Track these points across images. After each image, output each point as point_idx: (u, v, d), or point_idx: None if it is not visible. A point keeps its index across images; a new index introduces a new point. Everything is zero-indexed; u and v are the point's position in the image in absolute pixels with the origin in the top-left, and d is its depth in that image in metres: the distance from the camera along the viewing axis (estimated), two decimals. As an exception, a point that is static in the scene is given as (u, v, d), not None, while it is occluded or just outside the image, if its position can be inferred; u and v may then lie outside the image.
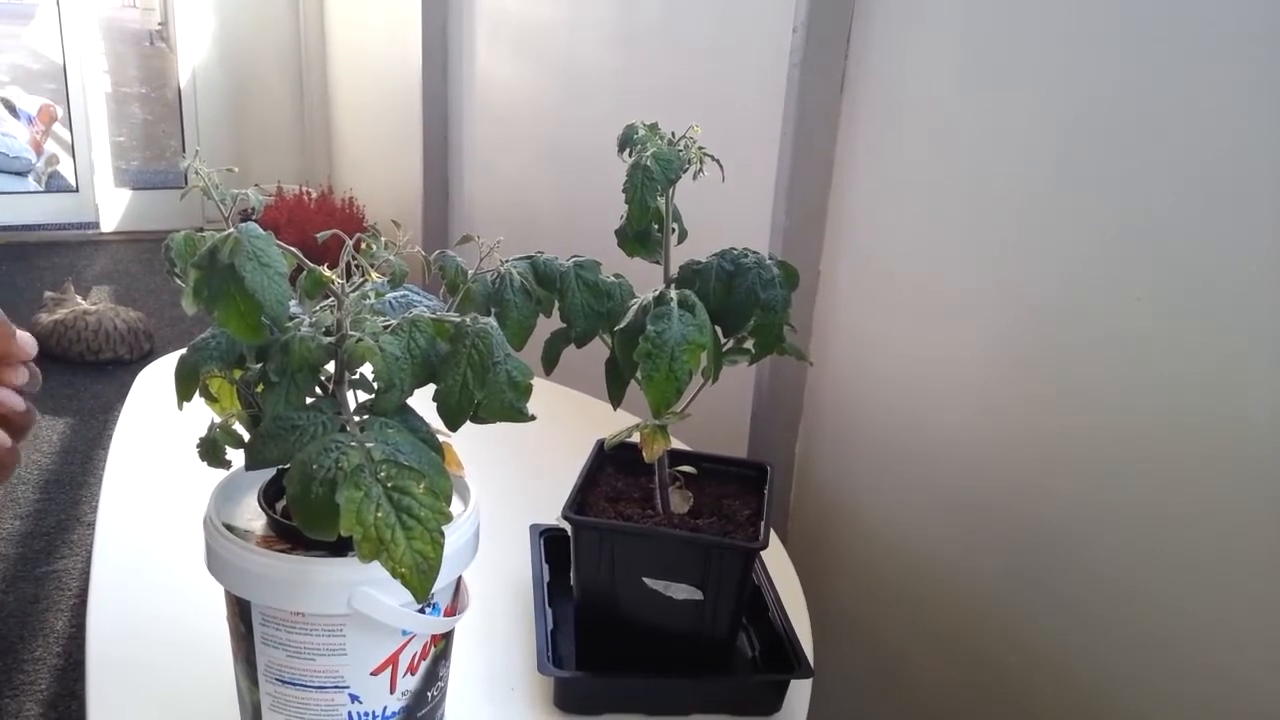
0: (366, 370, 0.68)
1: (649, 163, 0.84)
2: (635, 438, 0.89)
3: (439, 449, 0.69)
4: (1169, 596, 0.90)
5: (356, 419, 0.67)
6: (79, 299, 3.32)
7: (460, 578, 0.75)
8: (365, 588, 0.66)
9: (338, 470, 0.61)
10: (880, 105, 1.24)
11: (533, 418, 0.72)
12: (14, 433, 0.70)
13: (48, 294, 3.34)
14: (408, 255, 0.73)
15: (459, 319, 0.71)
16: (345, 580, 0.66)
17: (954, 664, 1.17)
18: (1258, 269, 0.81)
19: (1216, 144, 0.84)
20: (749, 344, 0.90)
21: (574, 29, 2.11)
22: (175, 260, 0.67)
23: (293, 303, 0.69)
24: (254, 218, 0.69)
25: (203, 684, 0.82)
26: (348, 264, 0.69)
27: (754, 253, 0.89)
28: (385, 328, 0.69)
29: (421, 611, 0.69)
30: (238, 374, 0.71)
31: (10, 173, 4.87)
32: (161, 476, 1.18)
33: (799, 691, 0.90)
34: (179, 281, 0.67)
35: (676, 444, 0.96)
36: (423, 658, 0.72)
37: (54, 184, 5.02)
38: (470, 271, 0.81)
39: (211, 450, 0.72)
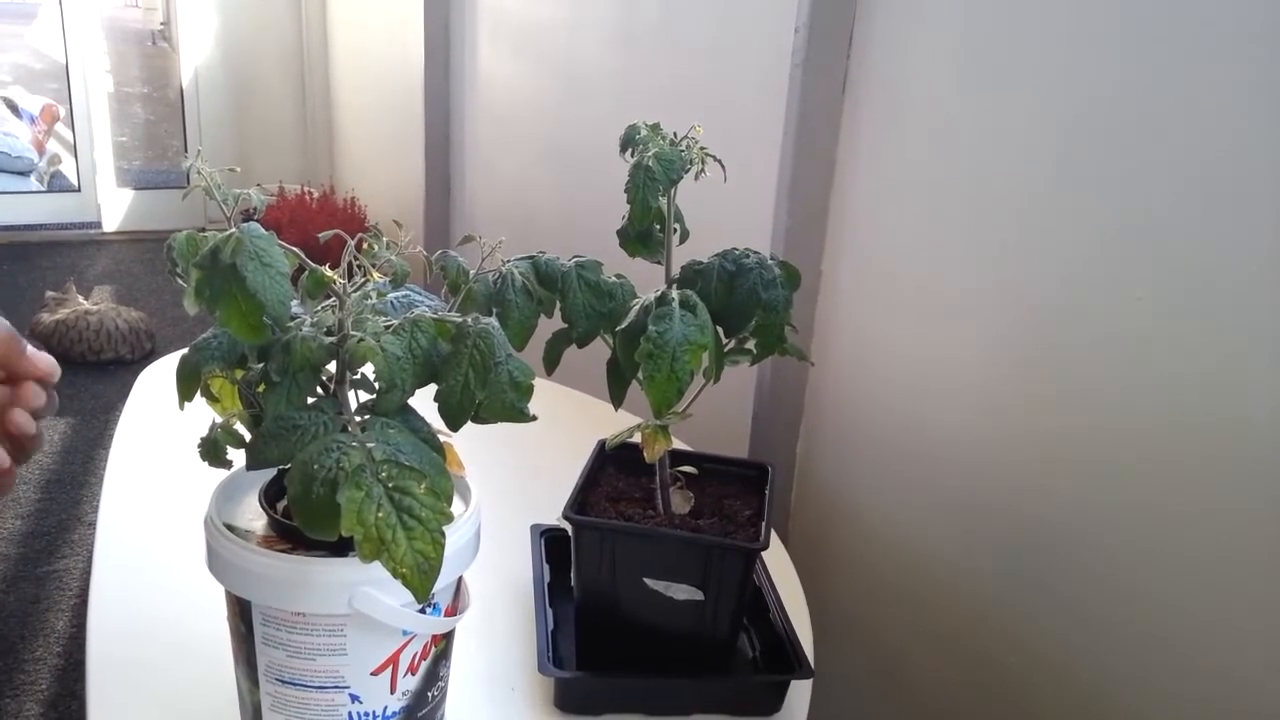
0: (368, 370, 0.68)
1: (651, 163, 0.84)
2: (636, 438, 0.89)
3: (440, 449, 0.69)
4: (1169, 596, 0.90)
5: (358, 419, 0.67)
6: (81, 299, 3.32)
7: (461, 578, 0.75)
8: (366, 588, 0.66)
9: (339, 470, 0.61)
10: (882, 105, 1.24)
11: (534, 418, 0.72)
12: (17, 454, 0.69)
13: (49, 294, 3.35)
14: (409, 255, 0.73)
15: (460, 319, 0.71)
16: (346, 580, 0.66)
17: (954, 664, 1.17)
18: (1258, 269, 0.81)
19: (1216, 144, 0.84)
20: (750, 344, 0.90)
21: (575, 29, 2.11)
22: (177, 260, 0.67)
23: (294, 303, 0.69)
24: (256, 218, 0.70)
25: (203, 684, 0.82)
26: (349, 264, 0.69)
27: (755, 253, 0.89)
28: (387, 328, 0.69)
29: (422, 611, 0.70)
30: (239, 374, 0.71)
31: (12, 172, 4.87)
32: (163, 476, 1.18)
33: (799, 692, 0.90)
34: (181, 281, 0.67)
35: (678, 444, 0.96)
36: (423, 658, 0.73)
37: (56, 184, 5.03)
38: (472, 272, 0.81)
39: (212, 450, 0.72)
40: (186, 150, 4.69)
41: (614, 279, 0.88)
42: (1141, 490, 0.92)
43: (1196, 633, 0.88)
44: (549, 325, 0.87)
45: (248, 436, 0.70)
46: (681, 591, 0.87)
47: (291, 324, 0.68)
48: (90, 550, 1.20)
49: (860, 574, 1.33)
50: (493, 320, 0.72)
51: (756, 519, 0.91)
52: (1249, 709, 0.84)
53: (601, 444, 0.98)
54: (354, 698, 0.70)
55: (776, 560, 1.09)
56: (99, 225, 4.58)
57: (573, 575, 0.92)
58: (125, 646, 0.89)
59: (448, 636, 0.75)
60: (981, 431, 1.11)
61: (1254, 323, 0.82)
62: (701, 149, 0.86)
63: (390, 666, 0.71)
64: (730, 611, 0.87)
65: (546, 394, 0.82)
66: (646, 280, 0.90)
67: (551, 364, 0.89)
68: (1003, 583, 1.09)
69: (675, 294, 0.82)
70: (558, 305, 0.86)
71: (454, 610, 0.75)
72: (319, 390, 0.70)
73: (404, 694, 0.72)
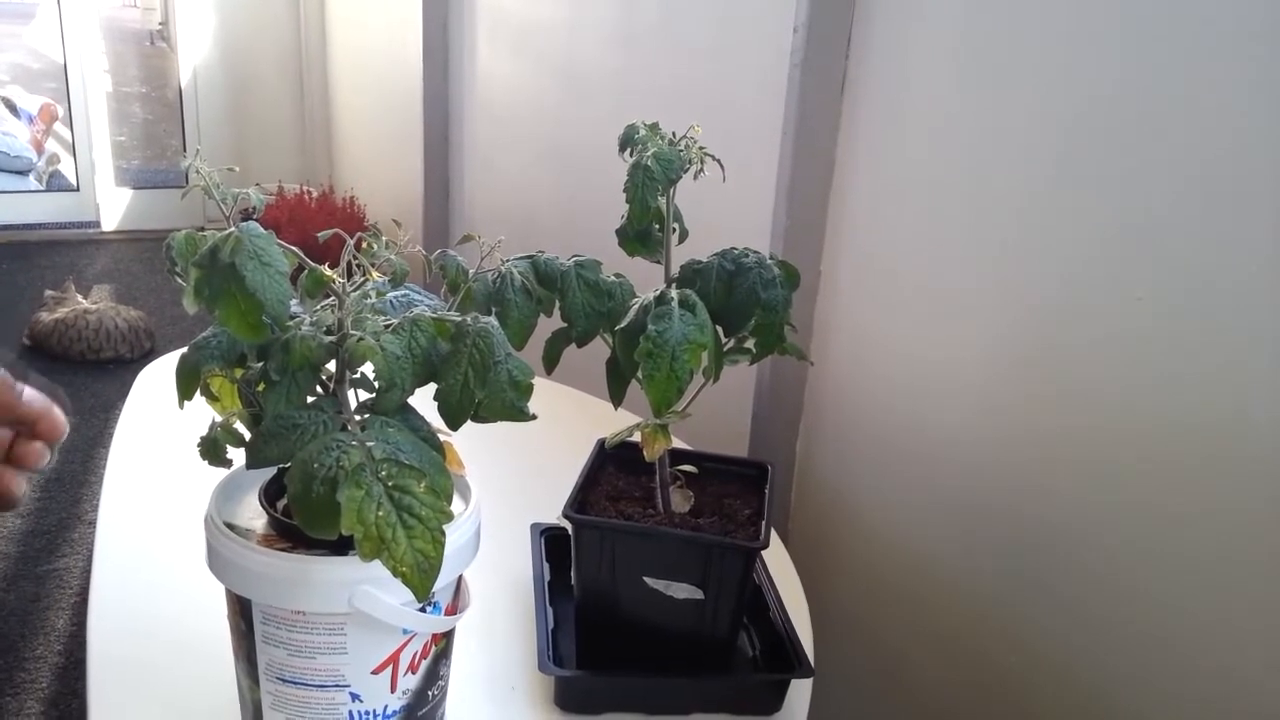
0: (367, 369, 0.68)
1: (650, 162, 0.84)
2: (636, 437, 0.89)
3: (440, 448, 0.69)
4: (1169, 596, 0.90)
5: (357, 418, 0.67)
6: (80, 298, 3.32)
7: (461, 576, 0.75)
8: (366, 586, 0.66)
9: (339, 469, 0.61)
10: (881, 105, 1.24)
11: (533, 417, 0.72)
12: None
13: (49, 293, 3.34)
14: (408, 254, 0.73)
15: (460, 318, 0.71)
16: (346, 579, 0.66)
17: (954, 664, 1.17)
18: (1258, 269, 0.81)
19: (1217, 143, 0.84)
20: (750, 343, 0.90)
21: (574, 29, 2.11)
22: (176, 259, 0.67)
23: (294, 302, 0.69)
24: (255, 217, 0.70)
25: (204, 682, 0.82)
26: (349, 263, 0.69)
27: (755, 252, 0.89)
28: (386, 327, 0.69)
29: (422, 610, 0.70)
30: (239, 373, 0.71)
31: (11, 172, 4.87)
32: (162, 475, 1.18)
33: (799, 691, 0.90)
34: (180, 280, 0.67)
35: (677, 443, 0.96)
36: (423, 656, 0.73)
37: (55, 183, 5.02)
38: (471, 271, 0.81)
39: (212, 449, 0.72)
40: (185, 149, 4.69)
41: (613, 278, 0.88)
42: (1141, 490, 0.92)
43: (1196, 633, 0.88)
44: (548, 324, 0.87)
45: (247, 435, 0.70)
46: (681, 590, 0.87)
47: (291, 323, 0.68)
48: (90, 549, 1.20)
49: (860, 573, 1.33)
50: (492, 319, 0.72)
51: (756, 518, 0.91)
52: (1249, 709, 0.84)
53: (601, 443, 0.98)
54: (354, 696, 0.70)
55: (776, 559, 1.09)
56: (98, 224, 4.58)
57: (573, 574, 0.92)
58: (126, 645, 0.89)
59: (448, 635, 0.75)
60: (981, 431, 1.11)
61: (1254, 323, 0.82)
62: (700, 149, 0.86)
63: (391, 665, 0.71)
64: (730, 610, 0.87)
65: (546, 393, 0.82)
66: (646, 280, 0.90)
67: (551, 363, 0.89)
68: (1003, 583, 1.09)
69: (674, 293, 0.82)
70: (557, 304, 0.86)
71: (454, 609, 0.75)
72: (319, 389, 0.70)
73: (404, 692, 0.72)
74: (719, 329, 0.87)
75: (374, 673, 0.70)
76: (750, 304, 0.86)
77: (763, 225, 1.38)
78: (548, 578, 1.00)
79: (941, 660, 1.20)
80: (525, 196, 2.39)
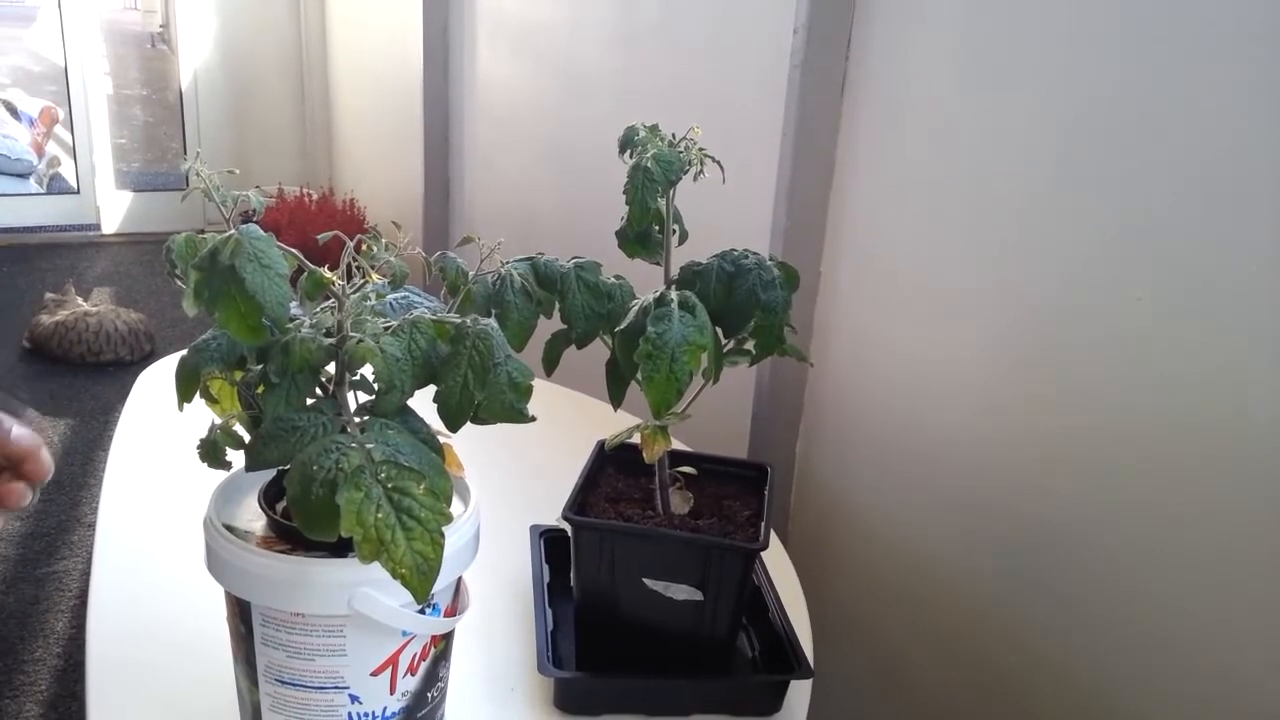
0: (367, 371, 0.68)
1: (649, 164, 0.84)
2: (636, 438, 0.89)
3: (439, 450, 0.69)
4: (1169, 596, 0.90)
5: (357, 420, 0.67)
6: (80, 300, 3.32)
7: (460, 578, 0.75)
8: (365, 588, 0.66)
9: (338, 471, 0.61)
10: (881, 106, 1.24)
11: (533, 419, 0.72)
12: None
13: (49, 295, 3.35)
14: (408, 257, 0.73)
15: (459, 320, 0.71)
16: (345, 581, 0.66)
17: (954, 664, 1.17)
18: (1258, 269, 0.81)
19: (1216, 144, 0.84)
20: (749, 345, 0.90)
21: (574, 29, 2.11)
22: (176, 262, 0.67)
23: (293, 304, 0.69)
24: (255, 219, 0.70)
25: (203, 684, 0.82)
26: (348, 265, 0.69)
27: (754, 254, 0.89)
28: (386, 329, 0.69)
29: (421, 612, 0.70)
30: (238, 375, 0.72)
31: (12, 175, 4.87)
32: (162, 478, 1.18)
33: (799, 692, 0.90)
34: (180, 283, 0.67)
35: (677, 445, 0.96)
36: (423, 658, 0.73)
37: (55, 186, 5.02)
38: (471, 273, 0.81)
39: (212, 451, 0.72)
40: (185, 152, 4.70)
41: (613, 280, 0.88)
42: (1141, 490, 0.92)
43: (1196, 633, 0.88)
44: (548, 326, 0.87)
45: (247, 438, 0.70)
46: (681, 592, 0.87)
47: (290, 325, 0.68)
48: (90, 551, 1.20)
49: (860, 574, 1.33)
50: (492, 321, 0.72)
51: (756, 519, 0.91)
52: (1249, 709, 0.84)
53: (601, 444, 0.98)
54: (353, 698, 0.70)
55: (776, 560, 1.09)
56: (98, 227, 4.58)
57: (572, 575, 0.92)
58: (125, 647, 0.89)
59: (447, 637, 0.75)
60: (981, 431, 1.11)
61: (1254, 323, 0.82)
62: (700, 150, 0.86)
63: (390, 667, 0.71)
64: (730, 612, 0.87)
65: (545, 395, 0.82)
66: (645, 281, 0.90)
67: (551, 365, 0.89)
68: (1003, 583, 1.09)
69: (674, 295, 0.82)
70: (557, 306, 0.86)
71: (453, 611, 0.75)
72: (318, 391, 0.70)
73: (403, 694, 0.72)
74: (719, 330, 0.87)
75: (373, 674, 0.70)
76: (750, 305, 0.86)
77: (762, 226, 1.38)
78: (547, 579, 1.00)
79: (941, 660, 1.19)
80: (525, 198, 2.39)
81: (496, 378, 0.70)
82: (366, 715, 0.71)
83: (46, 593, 2.10)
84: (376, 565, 0.60)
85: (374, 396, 0.69)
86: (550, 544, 1.05)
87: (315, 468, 0.61)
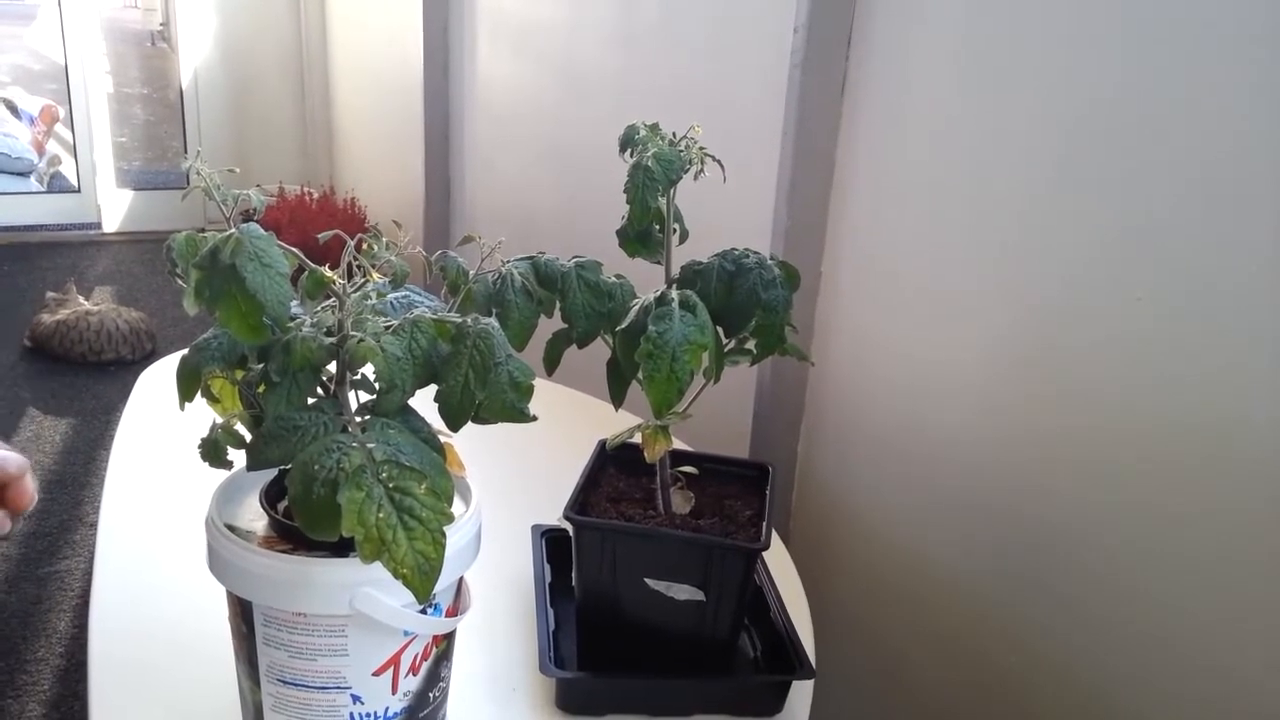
0: (368, 371, 0.68)
1: (650, 163, 0.84)
2: (637, 438, 0.89)
3: (440, 449, 0.69)
4: (1169, 596, 0.90)
5: (358, 419, 0.67)
6: (81, 299, 3.32)
7: (462, 578, 0.75)
8: (367, 588, 0.66)
9: (339, 471, 0.61)
10: (881, 106, 1.24)
11: (534, 418, 0.72)
12: None
13: (50, 294, 3.35)
14: (409, 256, 0.73)
15: (460, 319, 0.71)
16: (347, 581, 0.66)
17: (954, 664, 1.17)
18: (1258, 269, 0.82)
19: (1217, 145, 0.84)
20: (750, 344, 0.90)
21: (574, 29, 2.11)
22: (177, 261, 0.67)
23: (294, 303, 0.69)
24: (255, 218, 0.70)
25: (205, 684, 0.82)
26: (349, 264, 0.69)
27: (755, 253, 0.89)
28: (387, 328, 0.69)
29: (423, 612, 0.70)
30: (239, 374, 0.72)
31: (12, 173, 4.87)
32: (163, 477, 1.18)
33: (800, 692, 0.90)
34: (181, 282, 0.67)
35: (678, 444, 0.96)
36: (424, 658, 0.73)
37: (56, 184, 5.03)
38: (471, 272, 0.81)
39: (213, 451, 0.72)
40: (186, 151, 4.69)
41: (614, 279, 0.88)
42: (1141, 490, 0.92)
43: (1196, 633, 0.88)
44: (549, 325, 0.87)
45: (248, 437, 0.70)
46: (682, 592, 0.87)
47: (291, 324, 0.68)
48: (92, 551, 1.20)
49: (861, 574, 1.33)
50: (492, 321, 0.72)
51: (757, 519, 0.91)
52: (1249, 709, 0.84)
53: (602, 444, 0.98)
54: (355, 698, 0.70)
55: (777, 560, 1.09)
56: (99, 226, 4.58)
57: (574, 575, 0.92)
58: (127, 647, 0.89)
59: (449, 637, 0.75)
60: (981, 431, 1.11)
61: (1254, 323, 0.82)
62: (701, 149, 0.86)
63: (391, 667, 0.71)
64: (731, 612, 0.88)
65: (547, 394, 0.82)
66: (646, 280, 0.90)
67: (551, 364, 0.89)
68: (1003, 583, 1.09)
69: (675, 294, 0.82)
70: (557, 305, 0.86)
71: (455, 611, 0.75)
72: (319, 391, 0.70)
73: (405, 694, 0.72)
74: (719, 330, 0.87)
75: (375, 674, 0.70)
76: (751, 305, 0.86)
77: (763, 226, 1.38)
78: (549, 579, 1.00)
79: (941, 660, 1.20)
80: (526, 197, 2.39)
81: (497, 377, 0.70)
82: (368, 715, 0.71)
83: (49, 592, 2.10)
84: (378, 565, 0.60)
85: (375, 396, 0.69)
86: (552, 544, 1.06)
87: (317, 467, 0.61)
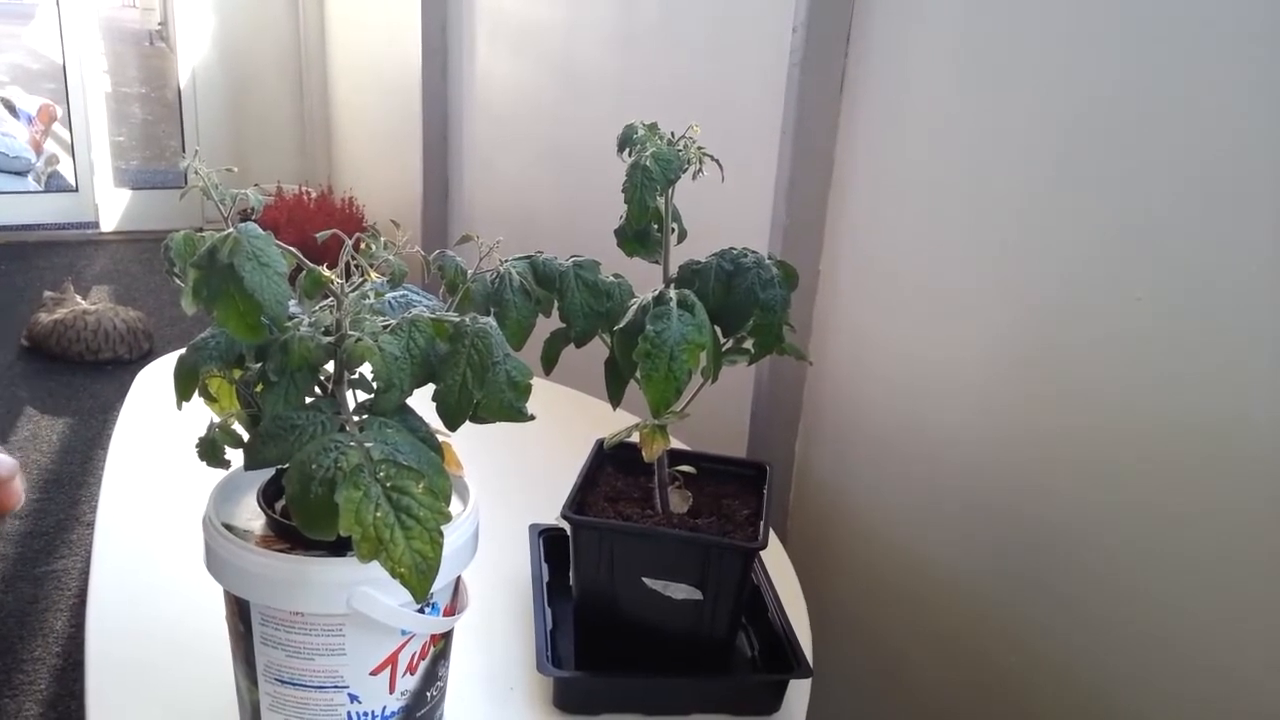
0: (366, 370, 0.68)
1: (648, 162, 0.84)
2: (635, 437, 0.89)
3: (438, 449, 0.69)
4: (1169, 596, 0.90)
5: (355, 419, 0.67)
6: (78, 299, 3.32)
7: (459, 577, 0.75)
8: (364, 587, 0.66)
9: (337, 470, 0.61)
10: (880, 105, 1.24)
11: (532, 417, 0.72)
12: None
13: (47, 294, 3.34)
14: (407, 255, 0.73)
15: (458, 319, 0.71)
16: (344, 580, 0.66)
17: (954, 664, 1.17)
18: (1258, 269, 0.81)
19: (1217, 144, 0.84)
20: (748, 344, 0.90)
21: (574, 29, 2.11)
22: (175, 260, 0.67)
23: (292, 302, 0.69)
24: (253, 218, 0.69)
25: (202, 684, 0.82)
26: (347, 264, 0.69)
27: (753, 252, 0.89)
28: (384, 327, 0.68)
29: (420, 611, 0.69)
30: (237, 374, 0.71)
31: (10, 172, 4.87)
32: (161, 476, 1.18)
33: (798, 691, 0.90)
34: (178, 281, 0.67)
35: (676, 444, 0.96)
36: (422, 657, 0.72)
37: (53, 184, 5.02)
38: (469, 271, 0.81)
39: (210, 450, 0.72)
40: (184, 150, 4.70)
41: (612, 278, 0.88)
42: (1141, 490, 0.92)
43: (1196, 633, 0.88)
44: (547, 325, 0.86)
45: (246, 436, 0.70)
46: (680, 591, 0.87)
47: (289, 324, 0.68)
48: (89, 550, 1.20)
49: (859, 574, 1.33)
50: (490, 320, 0.72)
51: (755, 518, 0.91)
52: (1249, 709, 0.84)
53: (600, 443, 0.98)
54: (353, 697, 0.70)
55: (775, 559, 1.09)
56: (96, 225, 4.58)
57: (571, 575, 0.92)
58: (124, 646, 0.89)
59: (446, 636, 0.75)
60: (981, 431, 1.11)
61: (1254, 323, 0.82)
62: (699, 149, 0.86)
63: (389, 666, 0.70)
64: (729, 611, 0.87)
65: (544, 393, 0.82)
66: (644, 280, 0.90)
67: (549, 363, 0.88)
68: (1003, 583, 1.09)
69: (673, 293, 0.82)
70: (555, 305, 0.86)
71: (452, 610, 0.75)
72: (317, 390, 0.69)
73: (403, 694, 0.72)
74: (717, 329, 0.87)
75: (372, 674, 0.70)
76: (749, 304, 0.86)
77: (761, 225, 1.38)
78: (546, 578, 1.00)
79: (941, 660, 1.19)
80: (524, 197, 2.39)
81: (495, 376, 0.70)
82: (366, 714, 0.71)
83: (46, 591, 2.09)
84: (375, 564, 0.60)
85: (373, 395, 0.69)
86: (549, 543, 1.05)
87: (314, 466, 0.61)
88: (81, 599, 2.05)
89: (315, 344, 0.66)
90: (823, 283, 1.36)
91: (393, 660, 0.70)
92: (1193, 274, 0.87)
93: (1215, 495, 0.86)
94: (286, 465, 0.64)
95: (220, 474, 0.74)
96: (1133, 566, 0.94)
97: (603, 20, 1.96)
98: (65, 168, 4.99)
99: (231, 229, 0.65)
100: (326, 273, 0.68)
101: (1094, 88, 0.95)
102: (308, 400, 0.68)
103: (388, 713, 0.72)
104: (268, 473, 0.73)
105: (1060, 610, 1.02)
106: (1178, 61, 0.87)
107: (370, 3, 3.67)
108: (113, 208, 4.59)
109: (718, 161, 0.86)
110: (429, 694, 0.75)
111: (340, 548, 0.66)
